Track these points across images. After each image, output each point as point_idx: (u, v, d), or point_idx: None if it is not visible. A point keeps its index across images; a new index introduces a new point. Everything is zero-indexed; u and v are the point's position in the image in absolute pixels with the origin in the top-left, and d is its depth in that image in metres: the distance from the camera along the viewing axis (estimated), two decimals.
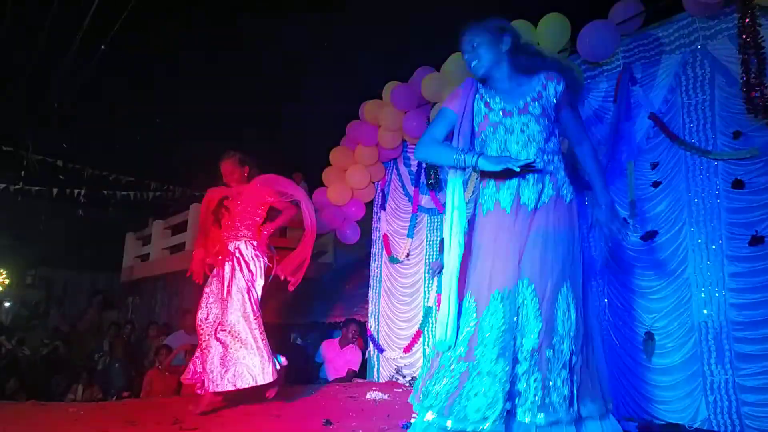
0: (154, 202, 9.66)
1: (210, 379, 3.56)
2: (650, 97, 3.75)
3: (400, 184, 5.76)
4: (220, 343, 3.62)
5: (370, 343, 5.86)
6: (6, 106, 8.18)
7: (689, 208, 3.48)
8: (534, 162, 2.20)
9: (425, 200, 5.40)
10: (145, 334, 7.94)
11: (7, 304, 12.80)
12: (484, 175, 2.36)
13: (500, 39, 2.38)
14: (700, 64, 3.55)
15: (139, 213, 10.66)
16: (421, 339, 5.23)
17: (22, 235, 11.87)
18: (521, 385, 2.11)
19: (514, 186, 2.27)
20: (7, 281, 12.80)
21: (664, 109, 3.68)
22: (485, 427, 2.01)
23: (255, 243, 3.89)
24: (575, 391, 2.16)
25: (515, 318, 2.15)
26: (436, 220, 5.27)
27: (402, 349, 5.41)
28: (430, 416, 2.16)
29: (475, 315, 2.19)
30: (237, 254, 3.82)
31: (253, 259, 3.84)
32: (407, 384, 4.99)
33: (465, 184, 2.61)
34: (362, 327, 6.08)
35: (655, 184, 3.63)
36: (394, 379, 5.38)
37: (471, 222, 2.38)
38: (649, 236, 3.61)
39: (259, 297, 3.84)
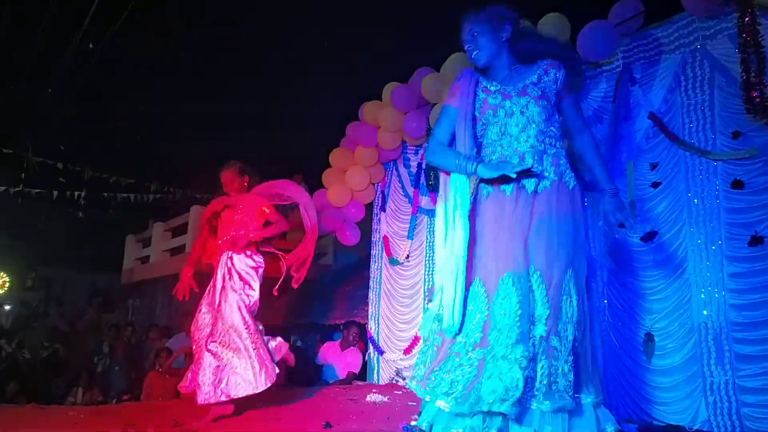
0: (155, 204, 9.63)
1: (201, 391, 3.51)
2: (650, 97, 3.74)
3: (399, 185, 5.75)
4: (212, 354, 3.59)
5: (370, 345, 5.85)
6: (6, 107, 8.18)
7: (689, 209, 3.47)
8: (531, 167, 2.20)
9: (425, 201, 5.38)
10: (146, 337, 7.92)
11: (7, 308, 12.80)
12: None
13: (501, 27, 2.37)
14: (699, 64, 3.54)
15: (139, 215, 10.63)
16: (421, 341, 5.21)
17: (22, 236, 11.85)
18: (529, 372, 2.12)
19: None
20: (7, 284, 12.79)
21: (664, 109, 3.67)
22: (503, 408, 2.00)
23: (248, 252, 3.86)
24: (578, 378, 2.18)
25: (528, 304, 2.16)
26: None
27: (402, 351, 5.39)
28: (442, 404, 2.15)
29: (486, 300, 2.20)
30: (229, 264, 3.80)
31: (246, 268, 3.81)
32: (407, 386, 4.96)
33: None
34: (362, 329, 6.07)
35: (655, 185, 3.63)
36: (394, 381, 5.35)
37: (471, 205, 2.35)
38: (649, 237, 3.60)
39: (257, 302, 3.80)
